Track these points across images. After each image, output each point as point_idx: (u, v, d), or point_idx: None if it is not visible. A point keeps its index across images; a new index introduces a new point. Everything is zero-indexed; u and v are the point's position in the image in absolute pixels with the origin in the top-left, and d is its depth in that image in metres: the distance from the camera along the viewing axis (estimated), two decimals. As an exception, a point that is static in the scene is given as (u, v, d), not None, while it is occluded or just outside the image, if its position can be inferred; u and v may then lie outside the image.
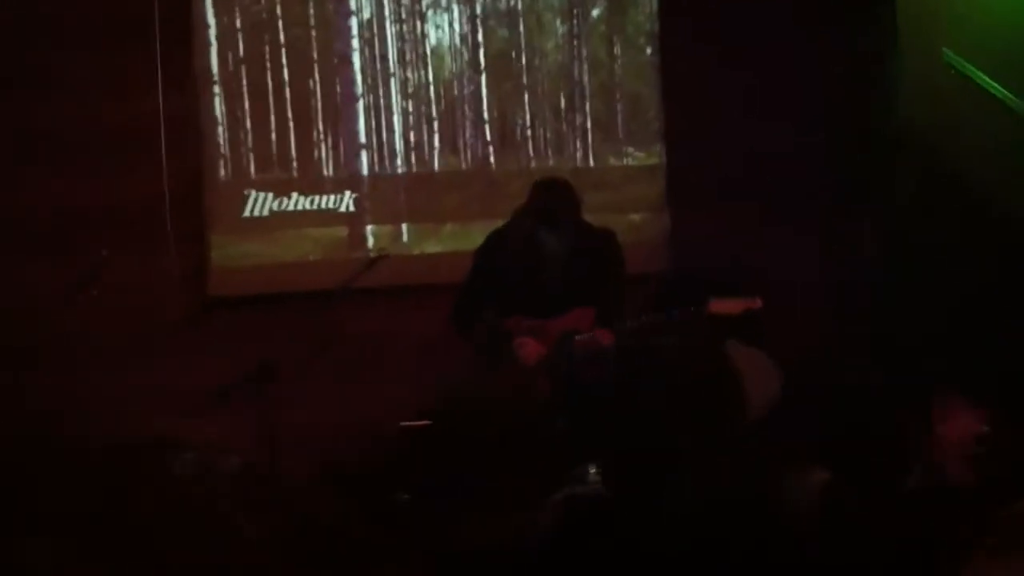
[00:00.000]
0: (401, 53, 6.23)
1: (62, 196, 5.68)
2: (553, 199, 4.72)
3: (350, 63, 6.15)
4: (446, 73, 6.30)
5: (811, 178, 6.51)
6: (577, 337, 4.70)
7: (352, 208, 6.12)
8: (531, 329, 4.76)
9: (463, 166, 6.31)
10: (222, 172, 5.97)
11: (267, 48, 6.05)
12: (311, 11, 6.11)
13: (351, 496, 4.57)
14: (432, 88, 6.28)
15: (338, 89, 6.13)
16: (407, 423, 4.51)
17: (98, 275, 4.83)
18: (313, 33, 6.11)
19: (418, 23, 6.27)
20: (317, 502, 4.49)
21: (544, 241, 4.73)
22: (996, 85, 6.46)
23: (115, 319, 5.58)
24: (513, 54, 6.39)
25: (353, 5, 6.16)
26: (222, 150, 5.97)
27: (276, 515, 4.15)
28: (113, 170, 5.75)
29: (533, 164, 6.38)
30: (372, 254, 5.64)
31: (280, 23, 6.06)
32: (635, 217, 6.49)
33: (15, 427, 5.08)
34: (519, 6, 6.39)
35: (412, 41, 6.26)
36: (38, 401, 5.27)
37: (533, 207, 4.73)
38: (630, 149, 6.54)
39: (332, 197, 6.10)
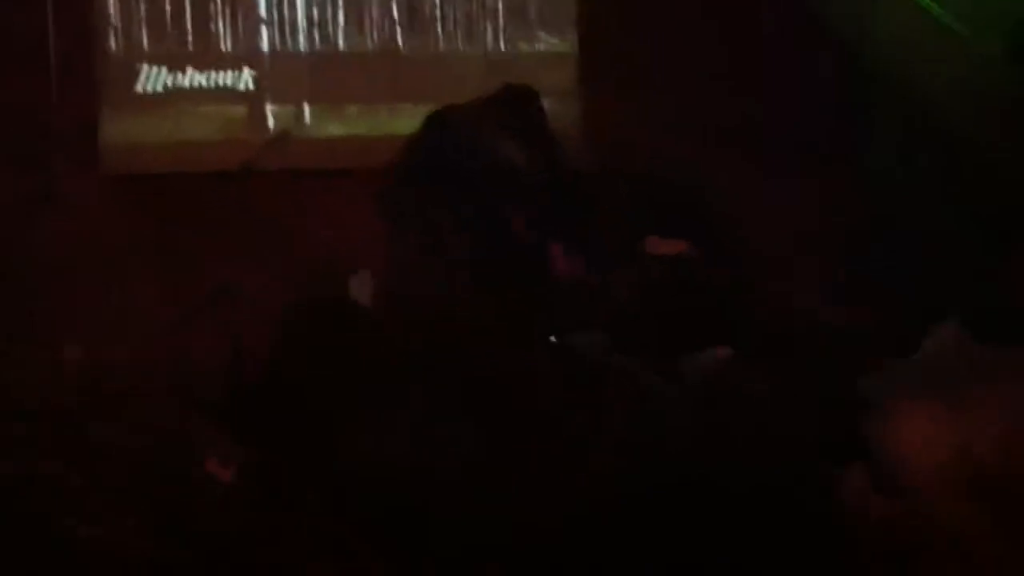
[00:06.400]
0: (306, -79, 5.95)
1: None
2: (536, 113, 3.99)
3: (251, -70, 5.86)
4: (353, -55, 6.04)
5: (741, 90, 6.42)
6: None
7: (251, 86, 5.89)
8: None
9: (369, 46, 6.08)
10: (113, 44, 5.68)
11: (162, -90, 5.73)
12: None
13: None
14: (338, -39, 6.03)
15: (237, -42, 5.85)
16: None
17: None
18: None
19: None
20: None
21: (505, 156, 3.90)
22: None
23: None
24: (424, -74, 6.14)
25: None
26: (113, 21, 5.68)
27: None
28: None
29: (442, 46, 6.17)
30: (273, 135, 5.44)
31: None
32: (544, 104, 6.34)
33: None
34: None
35: (317, -92, 5.97)
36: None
37: (508, 115, 3.95)
38: (542, 34, 6.36)
39: (230, 74, 5.87)
